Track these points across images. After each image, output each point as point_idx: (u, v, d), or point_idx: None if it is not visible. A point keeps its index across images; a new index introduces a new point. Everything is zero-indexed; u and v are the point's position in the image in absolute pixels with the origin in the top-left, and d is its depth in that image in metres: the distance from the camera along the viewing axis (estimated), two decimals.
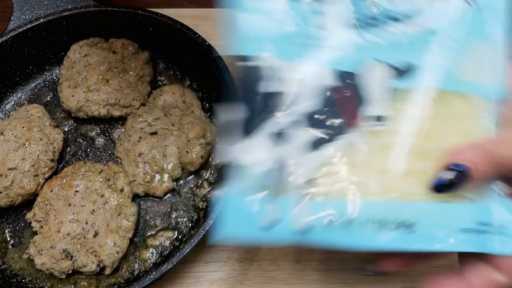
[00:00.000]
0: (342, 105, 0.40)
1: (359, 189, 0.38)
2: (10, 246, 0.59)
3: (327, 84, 0.40)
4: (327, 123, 0.40)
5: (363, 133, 0.39)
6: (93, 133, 0.67)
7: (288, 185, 0.39)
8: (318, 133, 0.40)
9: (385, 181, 0.38)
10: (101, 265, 0.55)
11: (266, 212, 0.38)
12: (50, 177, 0.61)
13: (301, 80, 0.40)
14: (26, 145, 0.60)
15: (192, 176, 0.64)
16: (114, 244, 0.55)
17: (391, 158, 0.39)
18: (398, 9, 0.41)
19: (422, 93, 0.40)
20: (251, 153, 0.40)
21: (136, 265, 0.58)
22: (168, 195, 0.62)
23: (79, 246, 0.56)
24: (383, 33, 0.41)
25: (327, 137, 0.40)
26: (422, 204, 0.38)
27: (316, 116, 0.40)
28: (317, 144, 0.40)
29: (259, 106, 0.40)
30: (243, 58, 0.41)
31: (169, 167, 0.61)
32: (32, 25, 0.65)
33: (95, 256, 0.55)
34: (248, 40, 0.41)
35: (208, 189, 0.63)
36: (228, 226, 0.39)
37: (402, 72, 0.40)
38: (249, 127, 0.41)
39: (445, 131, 0.39)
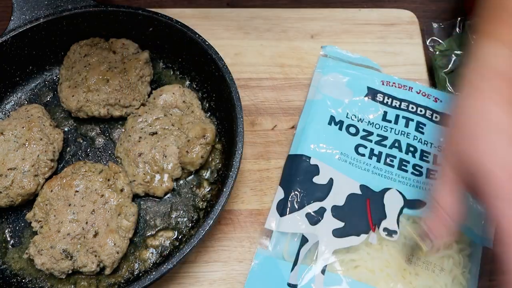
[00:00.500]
0: (370, 211, 0.59)
1: (368, 276, 0.55)
2: (10, 246, 0.59)
3: (355, 192, 0.60)
4: (356, 219, 0.59)
5: (378, 238, 0.58)
6: (93, 133, 0.67)
7: (314, 257, 0.56)
8: (345, 225, 0.58)
9: (388, 273, 0.55)
10: (101, 265, 0.55)
11: (294, 273, 0.56)
12: (50, 177, 0.61)
13: (335, 182, 0.61)
14: (26, 145, 0.60)
15: (192, 176, 0.64)
16: (114, 244, 0.55)
17: (393, 256, 0.57)
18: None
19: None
20: (290, 225, 0.59)
21: (136, 265, 0.58)
22: (168, 195, 0.62)
23: (79, 246, 0.56)
24: (409, 176, 0.62)
25: (352, 231, 0.58)
26: None
27: (347, 211, 0.59)
28: (343, 233, 0.58)
29: (305, 191, 0.60)
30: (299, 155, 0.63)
31: (169, 167, 0.61)
32: (32, 25, 0.65)
33: (95, 256, 0.55)
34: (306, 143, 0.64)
35: (208, 189, 0.63)
36: (260, 279, 0.56)
37: (416, 205, 0.59)
38: (291, 205, 0.60)
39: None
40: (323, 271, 0.55)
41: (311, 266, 0.56)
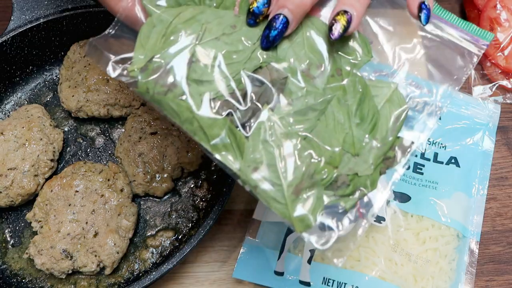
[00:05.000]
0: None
1: (354, 264, 0.56)
2: (10, 246, 0.59)
3: None
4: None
5: (366, 224, 0.55)
6: (93, 133, 0.67)
7: (300, 247, 0.57)
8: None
9: (373, 262, 0.56)
10: (101, 265, 0.55)
11: (280, 262, 0.56)
12: (50, 177, 0.61)
13: None
14: (26, 145, 0.60)
15: (192, 176, 0.64)
16: (114, 244, 0.55)
17: (379, 245, 0.57)
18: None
19: (409, 214, 0.60)
20: (277, 215, 0.54)
21: (136, 265, 0.58)
22: (168, 195, 0.62)
23: (79, 246, 0.56)
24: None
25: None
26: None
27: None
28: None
29: None
30: None
31: (169, 167, 0.61)
32: (32, 25, 0.65)
33: (95, 256, 0.55)
34: None
35: (208, 189, 0.63)
36: (248, 267, 0.56)
37: (402, 198, 0.60)
38: None
39: (416, 240, 0.58)
40: (309, 261, 0.57)
41: (298, 255, 0.57)
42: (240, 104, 0.38)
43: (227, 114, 0.37)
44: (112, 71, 0.39)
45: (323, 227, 0.40)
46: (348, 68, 0.42)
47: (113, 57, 0.40)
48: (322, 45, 0.41)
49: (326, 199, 0.39)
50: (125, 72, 0.39)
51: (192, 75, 0.37)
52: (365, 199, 0.58)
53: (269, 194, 0.37)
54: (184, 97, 0.37)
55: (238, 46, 0.39)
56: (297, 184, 0.37)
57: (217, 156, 0.37)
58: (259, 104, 0.38)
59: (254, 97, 0.38)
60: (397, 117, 0.46)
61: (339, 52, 0.42)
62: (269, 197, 0.37)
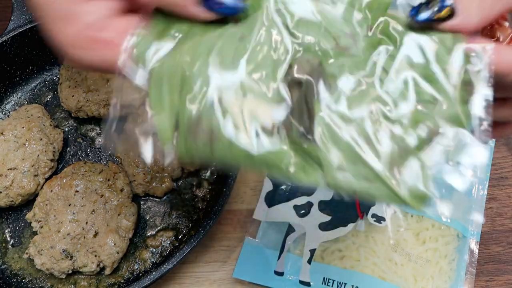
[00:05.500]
0: (358, 200, 0.59)
1: (354, 264, 0.57)
2: (10, 246, 0.59)
3: None
4: (343, 212, 0.59)
5: (366, 224, 0.59)
6: (93, 133, 0.67)
7: (301, 247, 0.58)
8: (332, 219, 0.59)
9: (376, 262, 0.57)
10: (101, 265, 0.55)
11: (280, 262, 0.57)
12: (50, 177, 0.61)
13: None
14: (26, 145, 0.60)
15: (192, 176, 0.64)
16: (114, 244, 0.55)
17: (379, 245, 0.58)
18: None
19: (409, 214, 0.59)
20: (278, 215, 0.60)
21: (136, 265, 0.58)
22: (168, 195, 0.62)
23: (79, 246, 0.56)
24: None
25: (339, 223, 0.58)
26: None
27: (335, 204, 0.59)
28: (330, 226, 0.58)
29: (294, 184, 0.60)
30: None
31: (169, 167, 0.61)
32: (32, 25, 0.65)
33: (95, 256, 0.55)
34: None
35: (208, 189, 0.63)
36: (248, 267, 0.57)
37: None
38: (279, 197, 0.60)
39: (416, 240, 0.58)
40: (309, 261, 0.57)
41: (298, 255, 0.57)
42: (292, 116, 0.33)
43: (284, 134, 0.33)
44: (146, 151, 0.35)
45: (440, 192, 0.34)
46: (377, 21, 0.35)
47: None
48: (337, 15, 0.34)
49: (428, 162, 0.33)
50: (158, 145, 0.34)
51: (228, 116, 0.32)
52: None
53: (367, 188, 0.32)
54: (233, 144, 0.32)
55: (258, 57, 0.33)
56: (390, 163, 0.32)
57: (302, 179, 0.32)
58: (309, 105, 0.33)
59: (301, 101, 0.33)
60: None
61: (361, 11, 0.35)
62: (369, 191, 0.32)
